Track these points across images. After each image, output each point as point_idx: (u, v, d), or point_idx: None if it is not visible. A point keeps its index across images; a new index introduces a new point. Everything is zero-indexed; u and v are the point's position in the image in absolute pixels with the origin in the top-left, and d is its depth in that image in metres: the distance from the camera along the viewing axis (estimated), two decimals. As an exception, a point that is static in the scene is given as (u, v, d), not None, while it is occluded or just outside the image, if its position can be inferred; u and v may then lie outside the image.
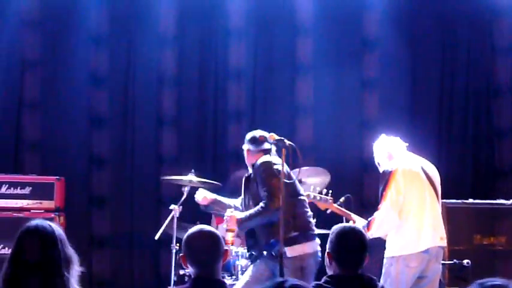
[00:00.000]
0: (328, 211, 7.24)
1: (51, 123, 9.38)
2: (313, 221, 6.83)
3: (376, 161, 7.01)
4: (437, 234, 6.66)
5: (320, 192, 7.05)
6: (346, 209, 7.83)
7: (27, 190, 8.27)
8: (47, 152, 9.32)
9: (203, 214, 8.21)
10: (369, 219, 6.71)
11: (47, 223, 3.78)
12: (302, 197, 6.55)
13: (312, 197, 7.00)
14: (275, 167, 6.27)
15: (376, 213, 6.64)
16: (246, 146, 6.63)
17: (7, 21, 9.35)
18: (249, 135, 6.65)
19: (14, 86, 9.36)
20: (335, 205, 7.09)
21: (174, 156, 9.36)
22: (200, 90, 9.54)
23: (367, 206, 9.08)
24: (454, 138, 9.62)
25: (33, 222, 3.78)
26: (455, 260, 7.48)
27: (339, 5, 9.53)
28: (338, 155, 9.35)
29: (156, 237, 7.47)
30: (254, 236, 6.47)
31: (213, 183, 7.88)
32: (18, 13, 9.33)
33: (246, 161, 6.62)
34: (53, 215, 8.11)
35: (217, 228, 8.23)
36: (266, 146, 6.56)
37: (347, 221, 7.10)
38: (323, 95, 9.53)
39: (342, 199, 7.85)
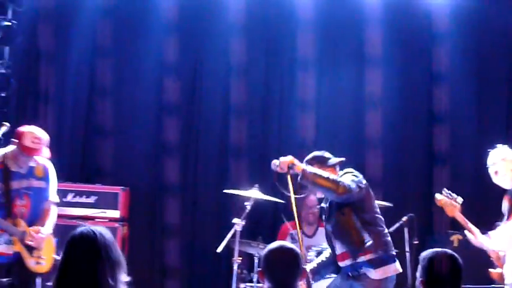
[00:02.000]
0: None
1: (122, 110, 9.72)
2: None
3: (495, 169, 6.79)
4: None
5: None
6: (409, 229, 7.92)
7: (92, 199, 8.58)
8: (117, 138, 9.66)
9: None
10: (490, 232, 6.65)
11: (91, 230, 3.75)
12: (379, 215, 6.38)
13: (443, 201, 6.86)
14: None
15: (502, 227, 6.58)
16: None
17: (81, 12, 9.68)
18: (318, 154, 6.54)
19: (86, 72, 9.71)
20: (459, 213, 6.86)
21: (241, 146, 9.63)
22: (265, 120, 9.76)
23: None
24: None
25: (78, 230, 3.77)
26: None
27: (408, 37, 9.73)
28: (406, 188, 9.37)
29: (219, 250, 7.60)
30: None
31: (276, 201, 8.02)
32: (91, 6, 9.66)
33: None
34: (117, 225, 8.32)
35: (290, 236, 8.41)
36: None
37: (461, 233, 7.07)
38: (392, 127, 9.69)
39: (404, 218, 7.96)
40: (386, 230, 6.28)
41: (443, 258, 4.31)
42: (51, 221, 6.85)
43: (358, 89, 9.71)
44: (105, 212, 8.49)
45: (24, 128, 6.63)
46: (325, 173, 6.06)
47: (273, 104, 9.73)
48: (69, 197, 8.53)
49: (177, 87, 9.69)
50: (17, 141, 6.56)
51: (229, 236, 7.62)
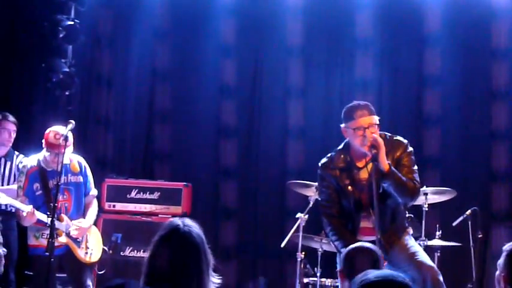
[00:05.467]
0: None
1: (180, 133, 9.97)
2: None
3: None
4: None
5: None
6: (472, 223, 7.98)
7: (155, 195, 8.78)
8: (176, 161, 9.91)
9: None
10: None
11: (188, 224, 3.71)
12: None
13: None
14: None
15: None
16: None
17: (139, 33, 10.02)
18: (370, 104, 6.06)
19: (145, 96, 10.01)
20: None
21: (300, 167, 9.70)
22: (324, 141, 9.61)
23: (496, 217, 9.19)
24: None
25: (175, 224, 3.70)
26: None
27: (467, 54, 9.76)
28: (465, 165, 9.46)
29: (282, 245, 7.77)
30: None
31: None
32: (149, 25, 10.02)
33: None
34: (179, 220, 8.48)
35: None
36: None
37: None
38: (451, 146, 9.73)
39: (468, 212, 8.04)
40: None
41: None
42: (91, 213, 7.22)
43: (417, 107, 9.82)
44: (168, 208, 8.71)
45: (48, 129, 6.97)
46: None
47: (332, 125, 9.73)
48: (133, 193, 8.78)
49: (235, 110, 9.94)
50: (44, 141, 6.91)
51: (293, 230, 7.80)
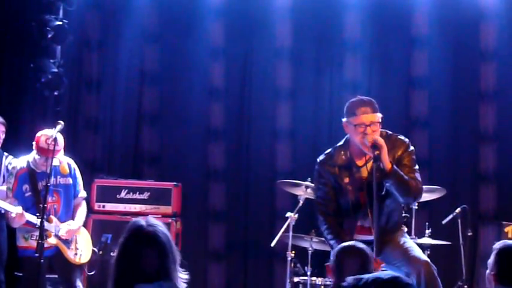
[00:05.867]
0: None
1: (169, 135, 9.94)
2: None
3: None
4: None
5: None
6: (462, 221, 8.03)
7: (145, 195, 8.80)
8: (165, 163, 9.86)
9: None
10: None
11: (151, 223, 3.68)
12: None
13: None
14: None
15: None
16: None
17: (127, 34, 9.99)
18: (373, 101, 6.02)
19: (134, 98, 9.97)
20: None
21: (289, 169, 9.67)
22: (314, 143, 9.62)
23: (484, 218, 9.22)
24: None
25: (139, 223, 3.66)
26: None
27: (456, 55, 9.76)
28: (453, 166, 9.49)
29: (272, 244, 7.80)
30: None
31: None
32: (138, 26, 9.98)
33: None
34: (170, 220, 8.52)
35: None
36: None
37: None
38: (439, 147, 9.72)
39: (457, 210, 8.09)
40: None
41: None
42: (80, 214, 7.25)
43: (406, 108, 9.79)
44: (158, 208, 8.72)
45: (39, 132, 6.98)
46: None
47: (321, 126, 9.81)
48: (123, 194, 8.78)
49: (224, 111, 9.91)
50: (35, 144, 6.91)
51: (283, 229, 7.82)
